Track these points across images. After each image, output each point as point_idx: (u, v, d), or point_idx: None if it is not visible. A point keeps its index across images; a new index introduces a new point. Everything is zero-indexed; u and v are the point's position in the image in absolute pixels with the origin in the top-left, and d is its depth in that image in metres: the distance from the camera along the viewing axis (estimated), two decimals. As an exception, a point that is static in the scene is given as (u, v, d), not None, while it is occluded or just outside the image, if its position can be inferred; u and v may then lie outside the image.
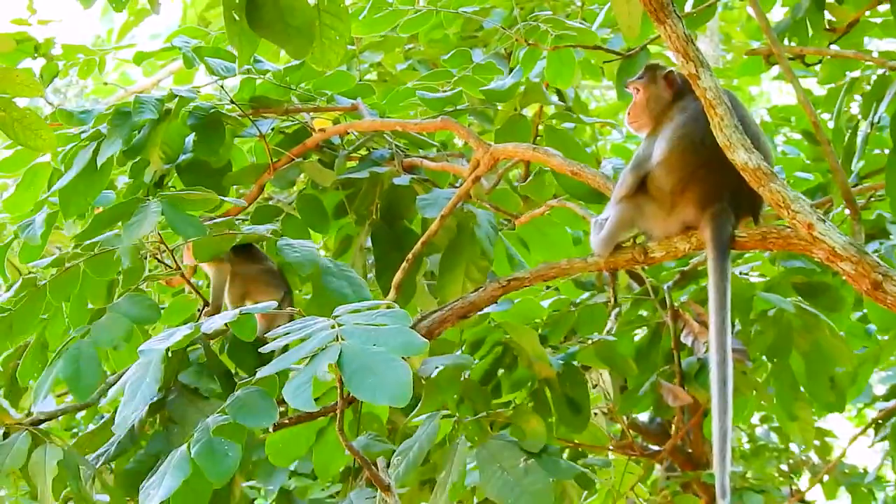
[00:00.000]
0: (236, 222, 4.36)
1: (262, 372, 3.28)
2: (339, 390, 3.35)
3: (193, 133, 4.71)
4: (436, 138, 5.36)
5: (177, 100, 4.58)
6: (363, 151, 5.03)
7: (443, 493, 4.08)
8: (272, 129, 4.97)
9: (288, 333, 3.23)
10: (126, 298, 4.12)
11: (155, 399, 3.83)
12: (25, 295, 4.20)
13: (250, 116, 4.81)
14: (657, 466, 7.23)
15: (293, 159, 4.82)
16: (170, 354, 3.68)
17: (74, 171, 4.37)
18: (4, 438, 3.83)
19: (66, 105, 5.39)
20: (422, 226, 4.79)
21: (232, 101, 4.78)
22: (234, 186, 5.05)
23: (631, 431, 6.89)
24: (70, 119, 4.70)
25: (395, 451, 4.22)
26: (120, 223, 3.98)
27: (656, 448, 6.74)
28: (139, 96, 4.49)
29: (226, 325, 3.54)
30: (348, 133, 5.01)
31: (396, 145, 5.00)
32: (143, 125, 4.55)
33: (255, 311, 3.64)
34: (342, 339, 3.03)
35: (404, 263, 4.27)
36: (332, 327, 3.12)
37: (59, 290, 4.14)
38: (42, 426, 4.04)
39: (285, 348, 3.25)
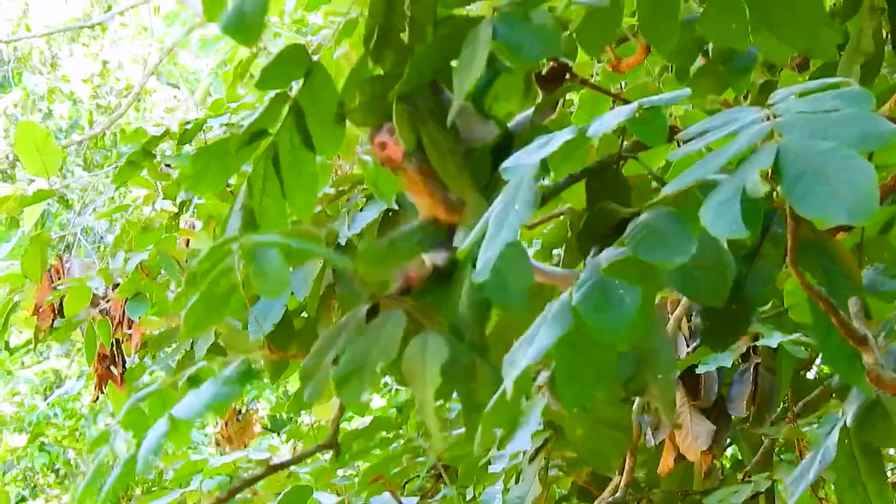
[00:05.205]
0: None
1: (672, 186, 2.36)
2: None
3: None
4: None
5: None
6: None
7: None
8: None
9: (706, 132, 2.31)
10: None
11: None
12: None
13: None
14: None
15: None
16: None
17: None
18: (370, 317, 2.64)
19: None
20: None
21: None
22: None
23: None
24: None
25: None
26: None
27: None
28: None
29: None
30: None
31: None
32: None
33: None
34: (779, 136, 2.09)
35: None
36: (767, 119, 2.18)
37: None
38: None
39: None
